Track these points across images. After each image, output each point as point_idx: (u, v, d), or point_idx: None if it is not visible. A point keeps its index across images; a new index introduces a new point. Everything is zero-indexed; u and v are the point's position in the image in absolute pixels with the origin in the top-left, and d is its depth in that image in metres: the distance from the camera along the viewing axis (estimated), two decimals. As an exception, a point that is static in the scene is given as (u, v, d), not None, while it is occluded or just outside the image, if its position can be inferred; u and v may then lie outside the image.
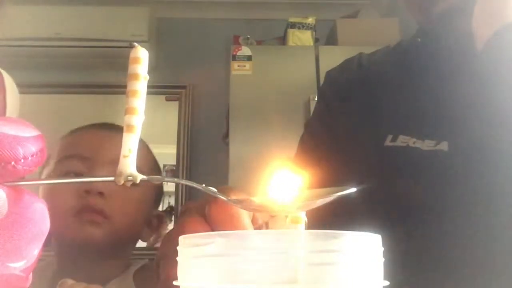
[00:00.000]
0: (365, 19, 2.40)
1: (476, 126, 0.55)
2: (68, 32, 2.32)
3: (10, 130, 0.22)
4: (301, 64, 2.12)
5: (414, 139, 0.58)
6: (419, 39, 0.67)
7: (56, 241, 0.75)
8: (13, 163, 0.22)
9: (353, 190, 0.28)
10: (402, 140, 0.59)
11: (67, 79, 2.47)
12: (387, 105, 0.65)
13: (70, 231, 0.71)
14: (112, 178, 0.25)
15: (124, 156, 0.25)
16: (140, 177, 0.25)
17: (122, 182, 0.25)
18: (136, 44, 0.26)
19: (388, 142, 0.60)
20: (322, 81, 0.79)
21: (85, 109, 2.44)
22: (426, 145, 0.57)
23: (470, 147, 0.55)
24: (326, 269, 0.23)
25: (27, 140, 0.23)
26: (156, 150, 0.87)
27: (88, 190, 0.72)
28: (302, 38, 2.21)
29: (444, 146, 0.56)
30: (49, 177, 0.75)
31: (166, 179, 0.30)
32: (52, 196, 0.73)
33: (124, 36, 2.30)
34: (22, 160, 0.22)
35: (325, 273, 0.23)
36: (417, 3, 0.65)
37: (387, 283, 0.25)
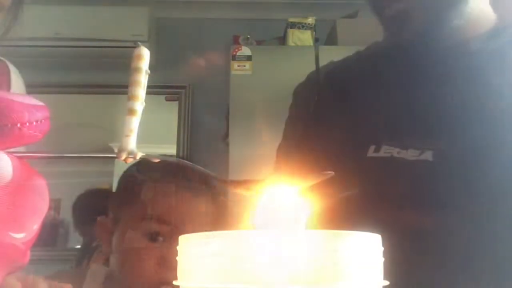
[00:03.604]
0: (365, 19, 2.40)
1: (459, 136, 0.55)
2: (68, 32, 2.32)
3: (18, 98, 0.24)
4: (301, 64, 2.12)
5: (398, 149, 0.57)
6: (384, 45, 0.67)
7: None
8: (19, 125, 0.23)
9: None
10: (386, 151, 0.58)
11: (67, 79, 2.46)
12: (367, 115, 0.63)
13: None
14: (114, 155, 0.28)
15: (126, 136, 0.28)
16: (140, 154, 0.29)
17: (123, 157, 0.28)
18: (140, 43, 0.29)
19: (371, 153, 0.59)
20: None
21: (85, 109, 2.44)
22: (410, 154, 0.56)
23: (454, 156, 0.55)
24: (326, 269, 0.23)
25: (34, 107, 0.24)
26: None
27: (160, 263, 0.72)
28: (302, 38, 2.21)
29: (428, 155, 0.55)
30: (131, 238, 0.76)
31: (166, 158, 0.34)
32: (132, 267, 0.74)
33: (124, 36, 2.30)
34: (27, 124, 0.24)
35: (325, 273, 0.23)
36: (372, 8, 0.66)
37: (387, 283, 0.26)
